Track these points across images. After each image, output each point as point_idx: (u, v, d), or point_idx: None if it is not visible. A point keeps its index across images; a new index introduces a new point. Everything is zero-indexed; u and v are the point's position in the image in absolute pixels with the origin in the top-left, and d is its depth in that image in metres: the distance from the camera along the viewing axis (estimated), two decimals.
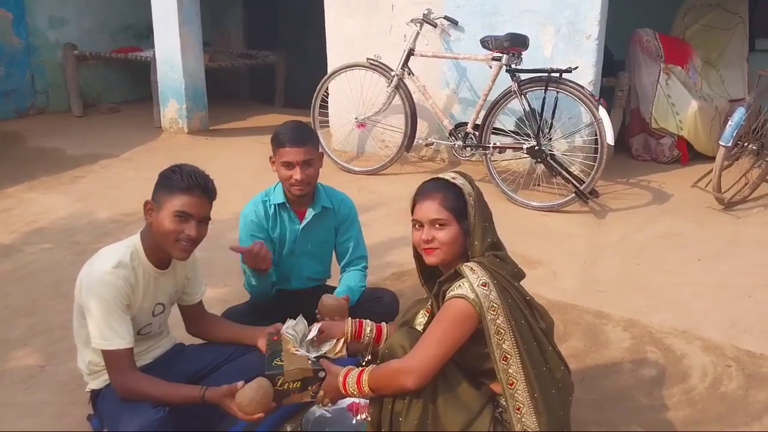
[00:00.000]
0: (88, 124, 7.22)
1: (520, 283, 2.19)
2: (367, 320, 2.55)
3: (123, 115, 7.54)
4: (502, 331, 2.02)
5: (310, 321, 2.84)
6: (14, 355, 3.05)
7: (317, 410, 2.57)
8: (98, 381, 2.39)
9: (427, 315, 2.33)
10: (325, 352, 2.40)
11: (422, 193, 2.24)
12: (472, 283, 2.03)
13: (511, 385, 2.03)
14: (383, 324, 2.57)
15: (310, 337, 2.40)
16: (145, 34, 7.80)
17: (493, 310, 2.02)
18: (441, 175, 2.26)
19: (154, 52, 6.79)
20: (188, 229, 2.29)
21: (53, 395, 2.75)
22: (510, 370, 2.03)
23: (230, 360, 2.56)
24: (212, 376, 2.50)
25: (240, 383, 2.19)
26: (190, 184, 2.28)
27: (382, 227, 4.45)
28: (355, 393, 2.14)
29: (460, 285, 2.06)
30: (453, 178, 2.22)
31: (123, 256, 2.29)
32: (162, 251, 2.35)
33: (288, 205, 2.95)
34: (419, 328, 2.31)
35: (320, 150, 2.98)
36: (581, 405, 2.61)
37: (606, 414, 2.62)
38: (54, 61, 7.42)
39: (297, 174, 2.80)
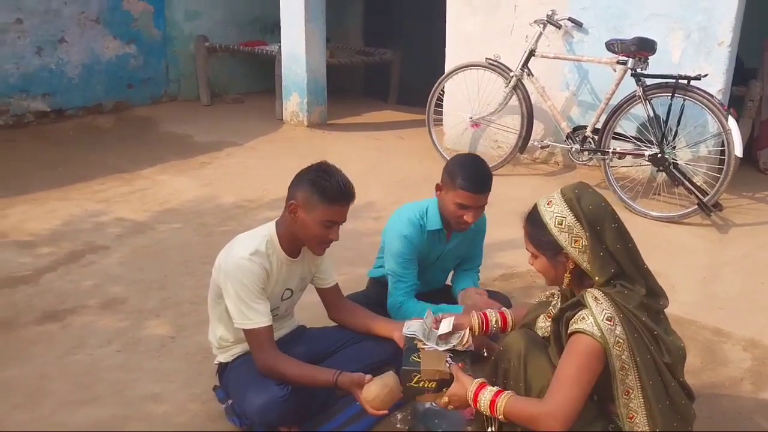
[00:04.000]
0: (215, 113, 7.61)
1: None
2: (490, 310, 2.56)
3: (246, 106, 7.90)
4: (626, 366, 1.96)
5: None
6: (148, 325, 3.30)
7: (426, 402, 2.64)
8: (226, 355, 2.57)
9: (548, 320, 2.29)
10: (453, 345, 2.37)
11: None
12: (597, 317, 1.95)
13: (631, 418, 2.00)
14: (505, 310, 2.56)
15: (442, 332, 2.39)
16: (270, 28, 8.13)
17: (619, 346, 1.94)
18: (540, 200, 2.12)
19: (279, 47, 7.07)
20: (333, 234, 2.42)
21: (182, 364, 2.96)
22: (631, 405, 1.99)
23: (348, 345, 2.68)
24: (330, 359, 2.63)
25: (368, 377, 2.30)
26: (339, 195, 2.38)
27: (491, 228, 4.37)
28: (486, 412, 2.10)
29: (583, 317, 1.98)
30: (548, 203, 2.08)
31: (259, 245, 2.44)
32: (296, 243, 2.49)
33: (443, 232, 2.97)
34: (540, 332, 2.31)
35: None
36: (695, 421, 2.54)
37: None
38: (187, 51, 7.87)
39: (470, 218, 2.79)
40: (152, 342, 3.15)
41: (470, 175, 2.74)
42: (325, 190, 2.37)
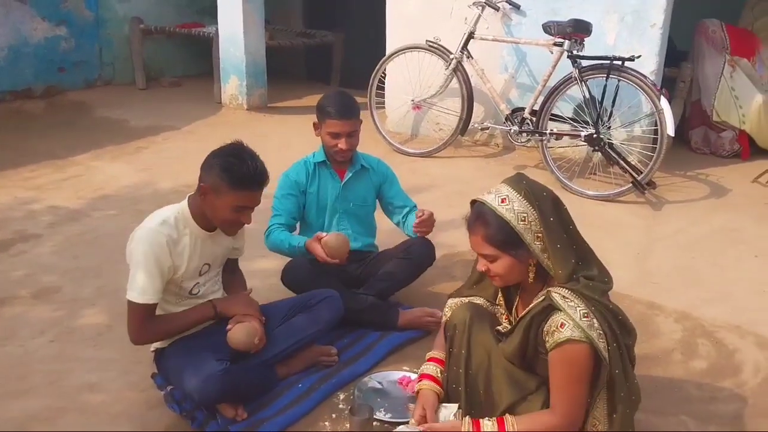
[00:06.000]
0: (151, 97, 7.43)
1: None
2: (426, 367, 2.37)
3: (184, 89, 7.73)
4: (603, 355, 1.96)
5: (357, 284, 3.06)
6: (84, 314, 3.21)
7: (369, 381, 2.66)
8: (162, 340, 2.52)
9: (506, 321, 2.27)
10: None
11: (469, 222, 2.10)
12: (574, 318, 1.92)
13: (592, 403, 2.02)
14: (434, 355, 2.39)
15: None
16: (208, 10, 7.94)
17: (602, 339, 1.94)
18: (488, 199, 2.04)
19: (216, 29, 6.92)
20: (244, 218, 2.42)
21: (119, 353, 2.89)
22: (593, 392, 2.01)
23: (282, 323, 2.68)
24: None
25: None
26: (249, 181, 2.34)
27: (433, 209, 4.35)
28: None
29: (562, 323, 1.94)
30: (501, 201, 2.01)
31: (168, 217, 2.41)
32: (209, 220, 2.45)
33: (328, 163, 3.11)
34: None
35: (360, 118, 3.14)
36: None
37: (654, 402, 2.63)
38: (121, 34, 7.63)
39: (343, 144, 3.00)
40: (88, 331, 3.07)
41: (334, 104, 3.01)
42: (234, 176, 2.32)
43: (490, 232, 2.02)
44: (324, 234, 2.82)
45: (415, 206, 3.28)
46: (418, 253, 3.16)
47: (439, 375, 2.30)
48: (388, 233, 3.55)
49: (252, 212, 2.45)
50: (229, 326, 2.46)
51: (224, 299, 2.53)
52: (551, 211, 2.01)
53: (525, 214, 1.99)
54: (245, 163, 2.34)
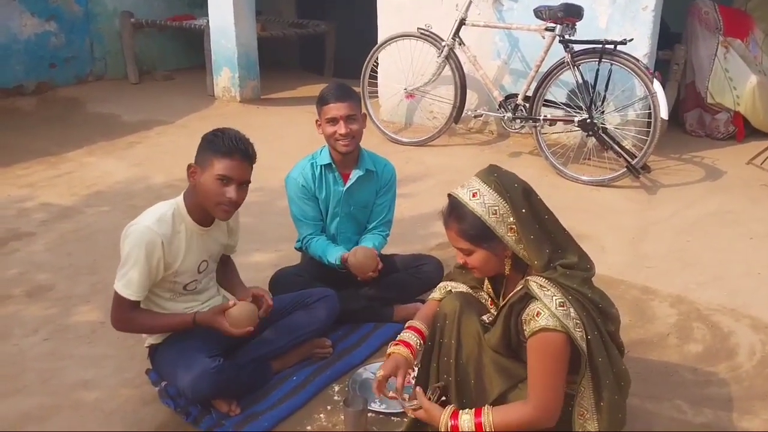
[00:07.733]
0: (144, 91, 7.39)
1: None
2: (404, 334, 2.31)
3: (177, 83, 7.69)
4: (580, 345, 1.94)
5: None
6: (78, 311, 3.21)
7: (363, 373, 2.66)
8: (156, 336, 2.52)
9: (492, 307, 2.27)
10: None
11: (444, 217, 2.09)
12: (550, 307, 1.91)
13: (578, 393, 2.02)
14: (416, 324, 2.33)
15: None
16: (199, 2, 7.91)
17: (579, 328, 1.93)
18: (460, 193, 2.03)
19: (207, 21, 6.88)
20: (229, 192, 2.37)
21: (114, 349, 2.89)
22: (583, 381, 2.00)
23: (278, 319, 2.67)
24: (262, 333, 2.62)
25: (231, 302, 2.47)
26: (230, 149, 2.36)
27: (428, 198, 4.49)
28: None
29: (538, 312, 1.93)
30: (473, 195, 2.00)
31: (164, 214, 2.40)
32: (204, 211, 2.45)
33: (334, 166, 3.03)
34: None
35: (363, 111, 3.06)
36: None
37: (650, 388, 2.63)
38: (112, 28, 7.59)
39: (341, 128, 2.90)
40: (82, 328, 3.06)
41: (329, 90, 2.97)
42: (215, 144, 2.37)
43: (463, 226, 2.02)
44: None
45: (383, 230, 3.16)
46: (428, 277, 3.11)
47: (416, 344, 2.25)
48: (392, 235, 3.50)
49: (240, 188, 2.40)
50: (232, 303, 2.47)
51: (207, 317, 2.44)
52: (522, 202, 1.98)
53: (496, 207, 1.98)
54: (228, 133, 2.40)
